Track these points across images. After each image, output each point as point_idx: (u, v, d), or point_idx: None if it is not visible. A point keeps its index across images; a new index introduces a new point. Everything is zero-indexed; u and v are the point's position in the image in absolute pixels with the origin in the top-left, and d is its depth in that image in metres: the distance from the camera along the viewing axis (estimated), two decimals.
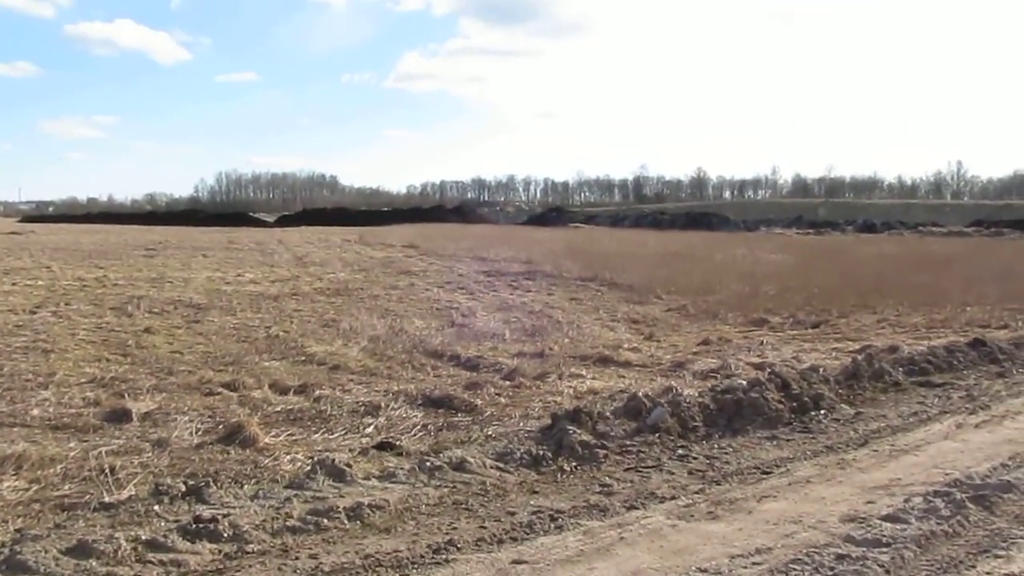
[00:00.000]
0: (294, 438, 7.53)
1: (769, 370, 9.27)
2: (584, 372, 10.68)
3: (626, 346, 12.81)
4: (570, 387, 9.76)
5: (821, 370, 9.45)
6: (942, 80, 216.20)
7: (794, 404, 8.09)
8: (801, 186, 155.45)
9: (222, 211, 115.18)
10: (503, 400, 9.07)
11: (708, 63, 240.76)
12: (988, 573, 4.61)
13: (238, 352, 11.88)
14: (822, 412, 8.12)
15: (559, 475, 6.31)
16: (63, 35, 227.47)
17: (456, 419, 8.22)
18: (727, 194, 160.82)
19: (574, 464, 6.49)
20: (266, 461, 6.71)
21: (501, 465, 6.41)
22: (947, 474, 6.29)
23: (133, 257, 32.01)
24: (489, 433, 7.49)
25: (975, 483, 5.96)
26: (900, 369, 9.92)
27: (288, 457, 6.84)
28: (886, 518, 5.31)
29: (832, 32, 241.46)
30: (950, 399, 8.96)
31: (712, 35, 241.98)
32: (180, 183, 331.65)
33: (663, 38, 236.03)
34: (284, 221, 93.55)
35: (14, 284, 20.74)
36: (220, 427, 7.71)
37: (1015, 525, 5.30)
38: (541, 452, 6.60)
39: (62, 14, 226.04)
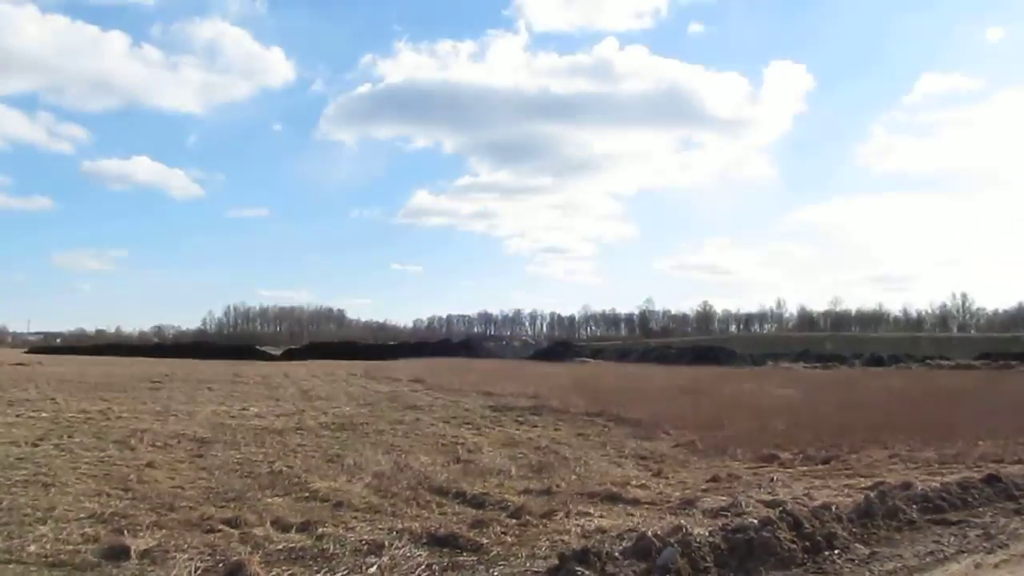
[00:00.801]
0: None
1: (780, 508, 9.11)
2: (592, 510, 10.49)
3: (634, 483, 12.62)
4: (578, 525, 9.56)
5: (834, 508, 9.26)
6: (944, 211, 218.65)
7: (807, 544, 7.90)
8: (807, 320, 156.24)
9: (229, 343, 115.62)
10: (509, 539, 8.87)
11: (705, 196, 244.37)
12: None
13: (241, 487, 11.71)
14: (836, 552, 7.93)
15: None
16: (80, 170, 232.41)
17: (461, 558, 8.03)
18: (733, 328, 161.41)
19: None
20: None
21: None
22: None
23: (138, 389, 31.94)
24: (495, 574, 7.31)
25: None
26: (914, 507, 9.73)
27: None
28: None
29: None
30: (967, 537, 8.77)
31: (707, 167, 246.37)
32: (189, 315, 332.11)
33: (662, 179, 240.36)
34: (290, 355, 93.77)
35: (18, 416, 20.66)
36: (220, 565, 7.54)
37: None
38: None
39: (80, 150, 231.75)
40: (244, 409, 24.06)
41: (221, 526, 9.25)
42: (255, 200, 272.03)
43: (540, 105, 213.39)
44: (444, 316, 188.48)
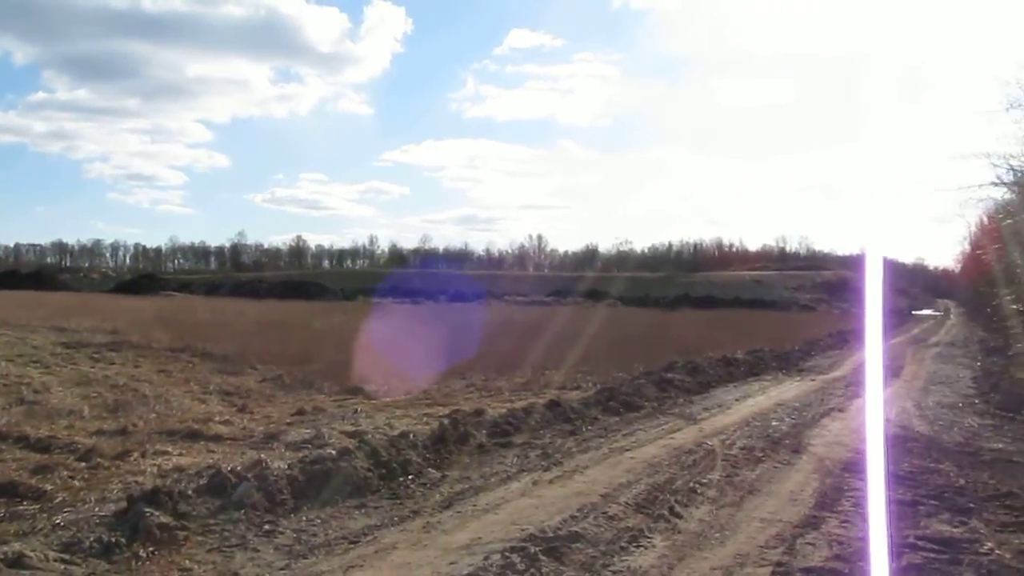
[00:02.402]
0: None
1: (359, 438, 9.35)
2: (171, 448, 10.05)
3: (217, 419, 12.29)
4: (154, 465, 9.12)
5: (411, 436, 9.67)
6: (527, 158, 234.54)
7: (383, 471, 8.18)
8: (398, 256, 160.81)
9: None
10: (77, 483, 8.25)
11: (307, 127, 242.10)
12: None
13: None
14: (410, 477, 8.29)
15: (134, 563, 5.81)
16: None
17: (21, 508, 7.33)
18: (326, 263, 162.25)
19: (151, 549, 6.01)
20: None
21: (67, 557, 5.80)
22: (523, 529, 6.65)
23: None
24: (57, 521, 6.75)
25: (547, 536, 6.37)
26: (484, 432, 10.44)
27: None
28: None
29: None
30: (527, 458, 9.57)
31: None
32: None
33: (258, 110, 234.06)
34: None
35: None
36: None
37: (581, 573, 5.72)
38: (114, 539, 6.06)
39: None
40: None
41: None
42: None
43: (129, 20, 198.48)
44: (11, 245, 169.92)
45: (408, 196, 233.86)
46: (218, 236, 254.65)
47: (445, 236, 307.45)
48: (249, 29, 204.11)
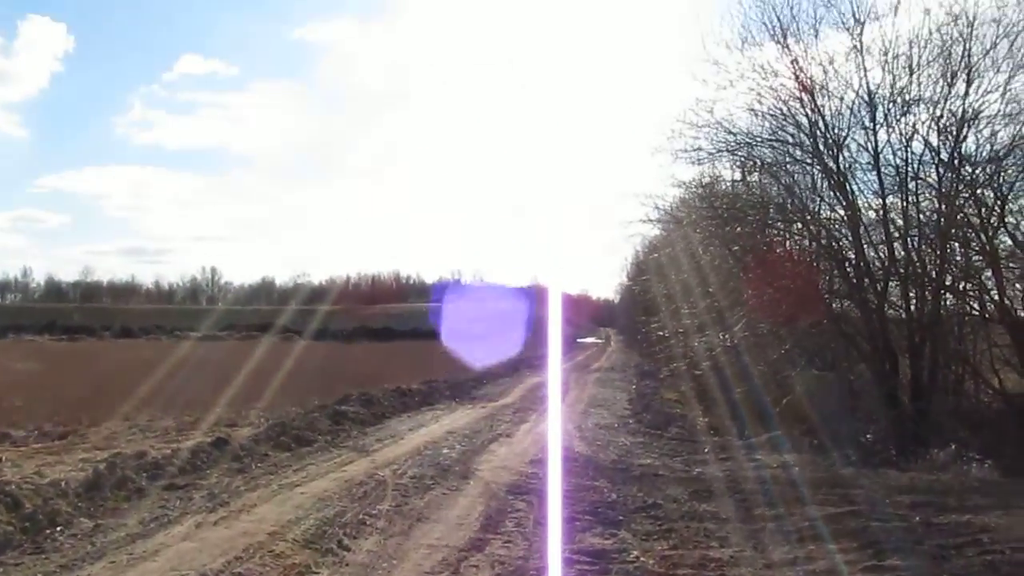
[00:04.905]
0: None
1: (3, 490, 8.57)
2: None
3: None
4: None
5: (62, 483, 9.02)
6: (199, 187, 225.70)
7: (27, 524, 7.56)
8: (55, 290, 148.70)
9: None
10: None
11: None
12: None
13: None
14: (59, 528, 7.72)
15: None
16: None
17: None
18: None
19: None
20: None
21: None
22: (183, 574, 6.41)
23: None
24: None
25: None
26: (144, 475, 9.96)
27: None
28: None
29: None
30: (192, 499, 9.21)
31: None
32: None
33: None
34: None
35: None
36: None
37: None
38: None
39: None
40: None
41: None
42: None
43: None
44: None
45: (68, 225, 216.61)
46: None
47: (110, 268, 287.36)
48: None
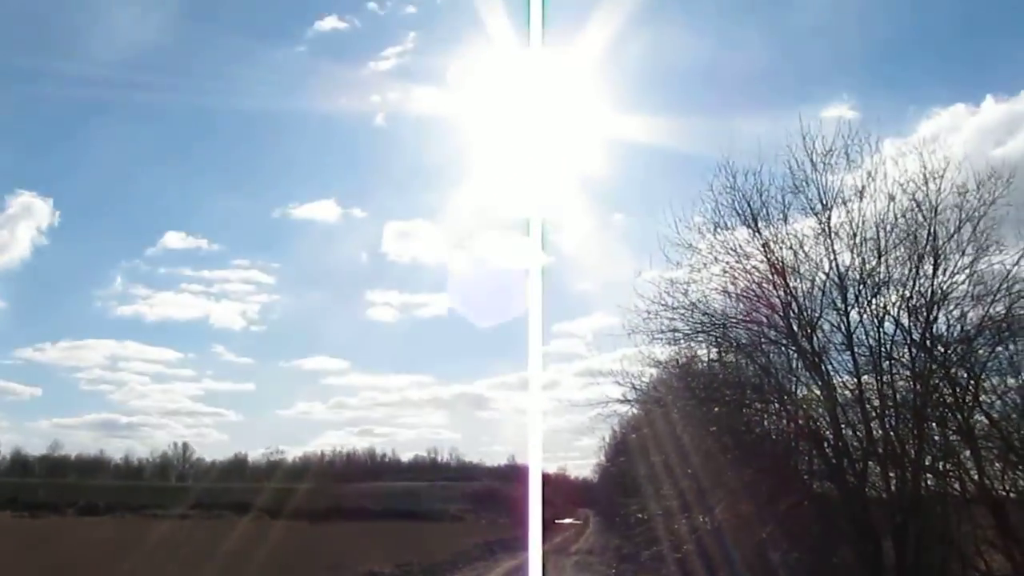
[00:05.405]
0: None
1: None
2: None
3: None
4: None
5: None
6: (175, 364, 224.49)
7: None
8: (21, 464, 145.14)
9: None
10: None
11: None
12: None
13: None
14: None
15: None
16: None
17: None
18: None
19: None
20: None
21: None
22: None
23: None
24: None
25: None
26: None
27: None
28: None
29: None
30: None
31: None
32: None
33: None
34: None
35: None
36: None
37: None
38: None
39: None
40: None
41: None
42: None
43: None
44: None
45: (39, 398, 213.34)
46: None
47: (79, 443, 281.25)
48: None
